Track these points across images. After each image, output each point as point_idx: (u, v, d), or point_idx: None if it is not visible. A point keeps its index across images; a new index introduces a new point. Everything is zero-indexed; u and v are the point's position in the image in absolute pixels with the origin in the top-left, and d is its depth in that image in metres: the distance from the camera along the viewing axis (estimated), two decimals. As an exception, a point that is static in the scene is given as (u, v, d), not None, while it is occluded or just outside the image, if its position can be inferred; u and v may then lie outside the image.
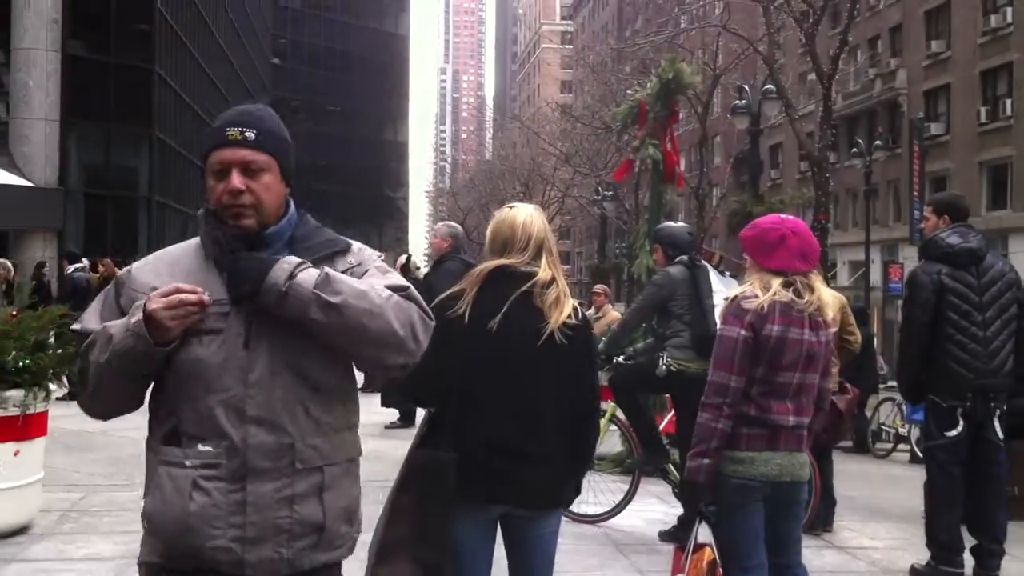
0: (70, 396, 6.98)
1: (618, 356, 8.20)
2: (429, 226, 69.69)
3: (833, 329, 4.73)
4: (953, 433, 6.69)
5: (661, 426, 8.74)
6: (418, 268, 14.99)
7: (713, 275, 7.69)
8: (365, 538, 2.96)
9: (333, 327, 2.60)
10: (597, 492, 8.01)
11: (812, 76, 31.72)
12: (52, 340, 7.24)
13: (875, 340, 22.02)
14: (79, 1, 35.28)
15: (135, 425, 2.87)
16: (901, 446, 15.95)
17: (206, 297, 2.59)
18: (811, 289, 4.48)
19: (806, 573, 4.73)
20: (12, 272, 17.22)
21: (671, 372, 7.44)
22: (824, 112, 26.50)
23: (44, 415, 7.16)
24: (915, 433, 14.60)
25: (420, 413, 4.21)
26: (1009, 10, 39.17)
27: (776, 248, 4.46)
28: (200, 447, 2.62)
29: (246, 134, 2.72)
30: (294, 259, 2.64)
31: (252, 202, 2.70)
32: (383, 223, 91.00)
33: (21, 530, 7.05)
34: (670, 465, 8.11)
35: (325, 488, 2.71)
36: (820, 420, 4.72)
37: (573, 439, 3.93)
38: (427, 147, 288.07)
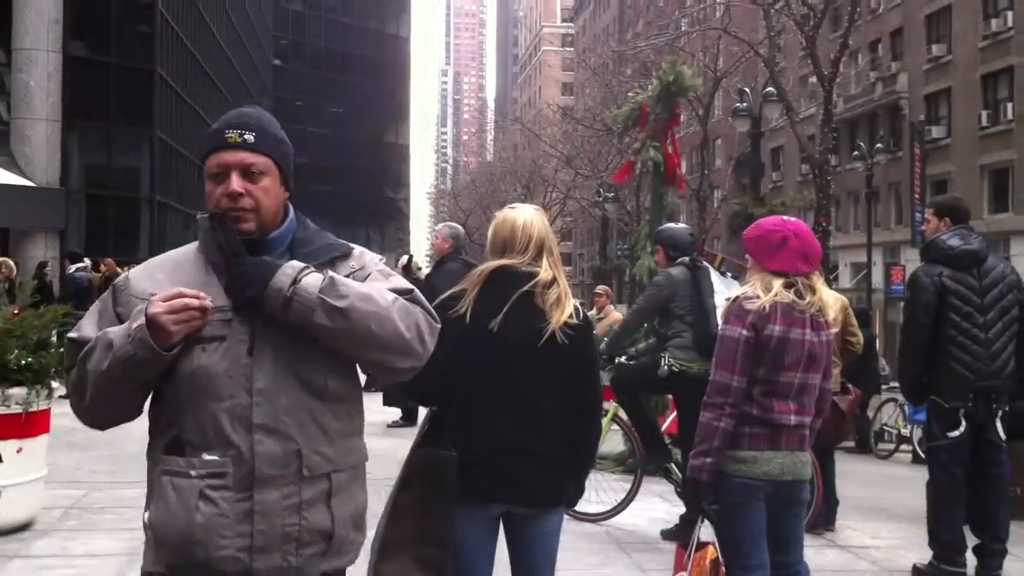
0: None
1: (620, 356, 8.22)
2: (431, 227, 69.67)
3: (835, 330, 4.74)
4: (955, 434, 6.71)
5: (663, 427, 8.76)
6: (420, 269, 15.00)
7: (714, 276, 7.71)
8: (368, 535, 2.96)
9: (339, 332, 2.56)
10: (599, 491, 8.02)
11: (813, 79, 31.77)
12: (54, 339, 7.27)
13: (877, 342, 22.03)
14: (80, 2, 35.31)
15: (138, 423, 2.84)
16: (903, 447, 15.97)
17: (208, 302, 2.54)
18: (812, 290, 4.49)
19: (808, 572, 4.75)
20: (15, 271, 17.25)
21: (673, 372, 7.46)
22: (825, 115, 26.52)
23: (47, 412, 7.18)
24: (917, 434, 14.61)
25: (422, 412, 4.21)
26: (1010, 14, 39.17)
27: (778, 249, 4.47)
28: (205, 456, 2.57)
29: (245, 136, 2.68)
30: (297, 264, 2.60)
31: (251, 206, 2.66)
32: (384, 224, 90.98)
33: (24, 527, 7.05)
34: (672, 464, 8.14)
35: (333, 495, 2.68)
36: (820, 420, 4.73)
37: (575, 439, 3.93)
38: (428, 149, 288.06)
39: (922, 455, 11.43)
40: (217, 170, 2.67)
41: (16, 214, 30.61)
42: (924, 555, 6.96)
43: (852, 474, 11.57)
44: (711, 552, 4.65)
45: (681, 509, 7.68)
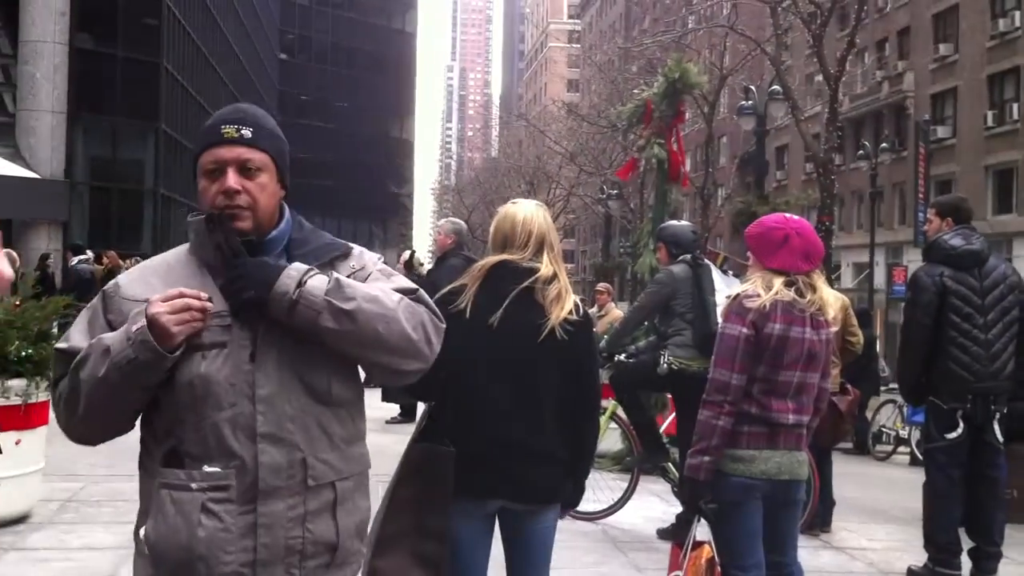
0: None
1: (620, 354, 8.21)
2: (434, 223, 69.65)
3: (834, 328, 4.74)
4: (953, 435, 6.70)
5: (663, 427, 8.76)
6: (421, 264, 14.99)
7: (716, 274, 7.70)
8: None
9: (346, 335, 2.48)
10: (596, 489, 8.02)
11: (819, 78, 31.72)
12: (55, 330, 7.27)
13: (878, 342, 22.02)
14: (87, -6, 35.38)
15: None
16: (901, 448, 15.97)
17: (209, 304, 2.46)
18: (813, 288, 4.49)
19: (801, 571, 4.76)
20: (18, 262, 17.27)
21: (672, 371, 7.46)
22: (830, 114, 26.50)
23: (46, 405, 7.17)
24: (916, 436, 14.61)
25: (420, 408, 4.22)
26: (1017, 14, 39.12)
27: (780, 248, 4.47)
28: (206, 468, 2.46)
29: (243, 132, 2.58)
30: (301, 266, 2.51)
31: (248, 203, 2.56)
32: (388, 220, 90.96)
33: (21, 519, 7.06)
34: (669, 464, 8.14)
35: (338, 504, 2.59)
36: (818, 419, 4.73)
37: (573, 435, 3.94)
38: (433, 144, 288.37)
39: (920, 457, 11.42)
40: (213, 166, 2.57)
41: (20, 205, 30.61)
42: (920, 557, 6.96)
43: (849, 475, 11.57)
44: (707, 551, 4.65)
45: (678, 508, 7.68)
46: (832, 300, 4.67)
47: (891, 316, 41.19)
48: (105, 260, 20.06)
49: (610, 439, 9.11)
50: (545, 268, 3.88)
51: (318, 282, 2.47)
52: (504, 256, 3.93)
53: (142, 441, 2.63)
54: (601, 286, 17.42)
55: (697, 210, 40.35)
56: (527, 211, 4.01)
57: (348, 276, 2.60)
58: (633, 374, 7.98)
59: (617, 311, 15.16)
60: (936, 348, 6.72)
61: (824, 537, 8.15)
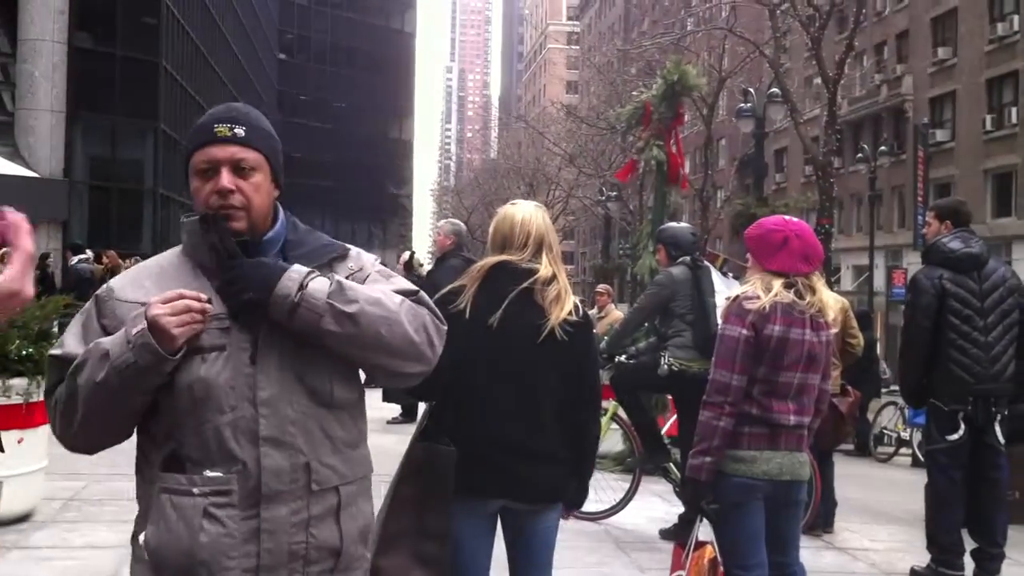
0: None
1: (620, 355, 8.22)
2: (433, 224, 69.79)
3: (834, 330, 4.75)
4: (954, 437, 6.71)
5: (664, 429, 8.77)
6: (421, 265, 15.00)
7: (715, 276, 7.72)
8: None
9: (348, 338, 2.44)
10: (598, 490, 8.03)
11: (818, 80, 31.80)
12: (55, 329, 7.28)
13: (878, 345, 22.04)
14: (86, -7, 35.38)
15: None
16: (903, 450, 15.98)
17: (209, 305, 2.40)
18: (812, 290, 4.50)
19: (804, 572, 4.76)
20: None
21: (672, 372, 7.47)
22: (829, 117, 26.54)
23: (48, 403, 7.18)
24: (917, 437, 14.61)
25: (422, 407, 4.23)
26: (1016, 18, 39.17)
27: (779, 249, 4.48)
28: (208, 473, 2.41)
29: (236, 131, 2.54)
30: (302, 267, 2.47)
31: (242, 203, 2.51)
32: (387, 221, 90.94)
33: (24, 517, 7.07)
34: (671, 464, 8.15)
35: (342, 509, 2.54)
36: (819, 420, 4.74)
37: (574, 436, 3.94)
38: (432, 145, 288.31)
39: (921, 458, 11.43)
40: (205, 166, 2.53)
41: (19, 205, 30.58)
42: (922, 558, 6.97)
43: (851, 477, 11.58)
44: (709, 551, 4.67)
45: (680, 509, 7.69)
46: (831, 302, 4.68)
47: (891, 318, 41.23)
48: (105, 260, 20.08)
49: (611, 440, 9.13)
50: (544, 269, 3.89)
51: (320, 285, 2.44)
52: (503, 257, 3.94)
53: (139, 446, 2.58)
54: (601, 287, 17.44)
55: (696, 212, 40.39)
56: (526, 212, 4.02)
57: (346, 278, 2.57)
58: (633, 375, 7.99)
59: (617, 312, 15.17)
60: (936, 350, 6.74)
61: (826, 538, 8.16)
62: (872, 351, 15.83)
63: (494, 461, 3.77)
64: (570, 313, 3.86)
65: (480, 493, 3.82)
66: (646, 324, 8.75)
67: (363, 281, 2.60)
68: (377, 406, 12.59)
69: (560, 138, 54.78)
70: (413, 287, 2.67)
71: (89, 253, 20.06)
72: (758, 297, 4.42)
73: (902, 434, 16.12)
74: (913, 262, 37.28)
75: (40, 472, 7.22)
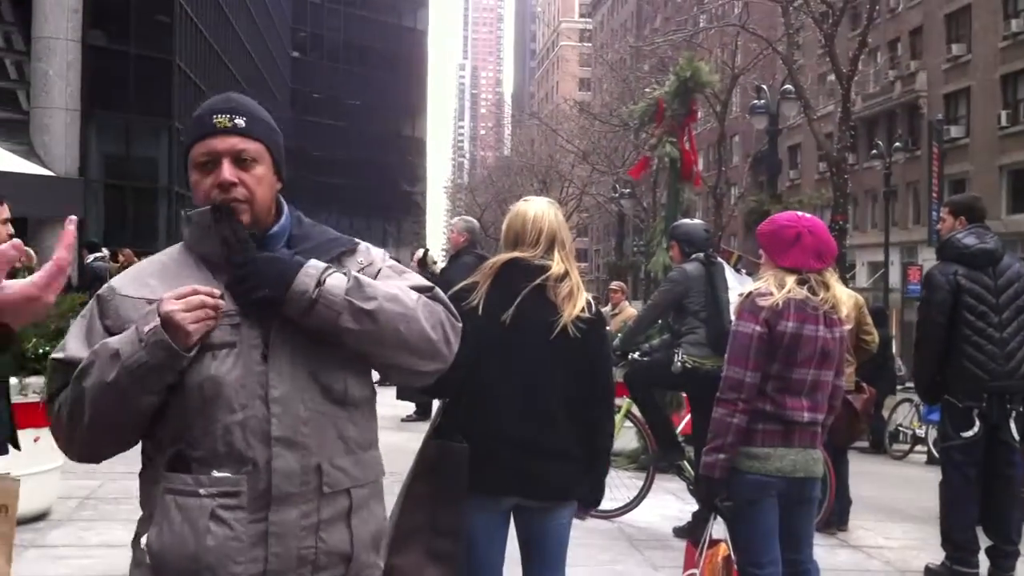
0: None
1: (633, 352, 8.22)
2: (447, 221, 69.73)
3: (848, 326, 4.75)
4: (969, 434, 6.69)
5: (679, 427, 8.76)
6: (435, 263, 14.99)
7: (729, 272, 7.71)
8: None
9: (366, 335, 2.36)
10: (612, 487, 7.98)
11: (831, 77, 31.69)
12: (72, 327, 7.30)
13: (894, 342, 21.96)
14: (100, -9, 35.48)
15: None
16: (918, 447, 15.90)
17: (222, 302, 2.31)
18: (826, 287, 4.50)
19: (817, 569, 4.76)
20: (34, 260, 17.34)
21: (686, 369, 7.47)
22: (843, 113, 26.47)
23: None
24: (932, 434, 14.54)
25: (436, 405, 4.24)
26: (1030, 14, 39.00)
27: (792, 246, 4.48)
28: (216, 473, 2.31)
29: (236, 121, 2.44)
30: (319, 263, 2.37)
31: (245, 196, 2.41)
32: (401, 218, 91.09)
33: (40, 516, 7.11)
34: (685, 462, 8.14)
35: (353, 513, 2.44)
36: (832, 417, 4.74)
37: (587, 433, 3.95)
38: (446, 143, 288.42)
39: (937, 456, 11.39)
40: (205, 159, 2.44)
41: (35, 203, 30.58)
42: (937, 556, 6.95)
43: (866, 474, 11.55)
44: (723, 549, 4.66)
45: (693, 506, 7.69)
46: (845, 298, 4.68)
47: (907, 315, 41.03)
48: (120, 257, 20.13)
49: (625, 437, 9.13)
50: (556, 266, 3.90)
51: (338, 281, 2.35)
52: (515, 254, 3.95)
53: (143, 449, 2.48)
54: (615, 285, 17.43)
55: (710, 209, 40.30)
56: (538, 209, 4.03)
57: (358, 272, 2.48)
58: (647, 372, 7.98)
59: (631, 309, 15.17)
60: (951, 347, 6.72)
61: (841, 536, 8.15)
62: (887, 348, 15.76)
63: (506, 458, 3.78)
64: (583, 310, 3.87)
65: (492, 491, 3.83)
66: (660, 321, 8.75)
67: (374, 277, 2.51)
68: (391, 404, 12.60)
69: (573, 135, 54.69)
70: (428, 283, 2.60)
71: (105, 251, 20.11)
72: (771, 293, 4.42)
73: (917, 431, 16.04)
74: (928, 258, 37.15)
75: (56, 471, 7.25)
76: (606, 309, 15.20)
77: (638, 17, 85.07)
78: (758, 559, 4.51)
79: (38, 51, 33.34)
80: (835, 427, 5.21)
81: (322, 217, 2.74)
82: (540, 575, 4.03)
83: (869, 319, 8.36)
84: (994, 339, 6.64)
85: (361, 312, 2.34)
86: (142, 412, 2.34)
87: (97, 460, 2.51)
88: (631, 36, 72.16)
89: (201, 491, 2.31)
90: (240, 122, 2.45)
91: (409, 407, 13.11)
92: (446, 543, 3.73)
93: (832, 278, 4.57)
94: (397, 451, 4.90)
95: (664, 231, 10.89)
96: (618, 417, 8.13)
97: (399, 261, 2.73)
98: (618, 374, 7.44)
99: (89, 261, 19.01)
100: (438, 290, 2.59)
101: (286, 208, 2.57)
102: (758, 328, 4.39)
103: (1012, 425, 6.71)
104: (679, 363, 7.49)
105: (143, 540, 2.37)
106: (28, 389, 6.78)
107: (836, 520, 8.22)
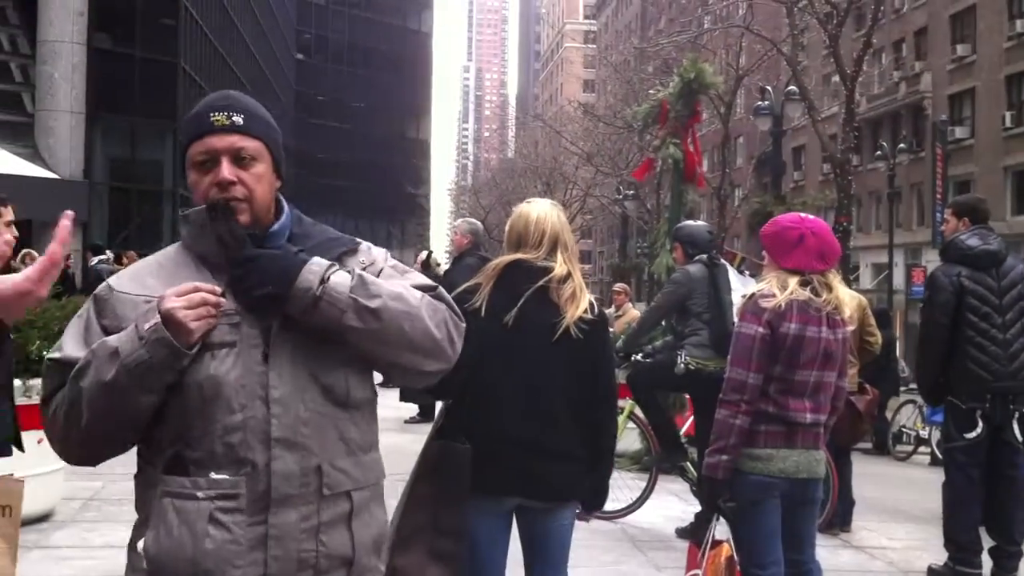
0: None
1: (636, 354, 8.23)
2: (451, 223, 69.79)
3: (851, 327, 4.75)
4: (972, 435, 6.69)
5: (683, 429, 8.77)
6: (439, 265, 15.03)
7: (732, 274, 7.73)
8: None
9: (369, 334, 2.32)
10: (615, 488, 7.97)
11: (836, 78, 31.65)
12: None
13: (898, 344, 21.95)
14: (105, -5, 35.53)
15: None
16: (922, 449, 15.90)
17: (224, 300, 2.28)
18: (829, 288, 4.50)
19: (820, 570, 4.77)
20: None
21: (689, 370, 7.47)
22: (847, 114, 26.42)
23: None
24: (936, 436, 14.53)
25: (439, 407, 4.25)
26: (1035, 15, 38.96)
27: (795, 247, 4.48)
28: (213, 475, 2.26)
29: (234, 119, 2.40)
30: (322, 260, 2.33)
31: (244, 195, 2.37)
32: (405, 220, 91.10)
33: (44, 517, 7.13)
34: (688, 463, 8.14)
35: (354, 516, 2.39)
36: (835, 418, 4.74)
37: (590, 434, 3.95)
38: (450, 145, 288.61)
39: (940, 457, 11.39)
40: (204, 157, 2.39)
41: (39, 206, 30.52)
42: (940, 556, 6.95)
43: (869, 475, 11.55)
44: (726, 550, 4.67)
45: (696, 508, 7.70)
46: (848, 299, 4.69)
47: (911, 317, 40.98)
48: (125, 260, 20.12)
49: (628, 439, 9.13)
50: (559, 267, 3.91)
51: (342, 278, 2.31)
52: (518, 255, 3.96)
53: (139, 452, 2.42)
54: (618, 286, 17.46)
55: (714, 210, 40.26)
56: (541, 210, 4.04)
57: None
58: (650, 374, 7.99)
59: (635, 311, 15.18)
60: (954, 348, 6.73)
61: (844, 536, 8.15)
62: (891, 350, 15.76)
63: (508, 459, 3.79)
64: (585, 311, 3.88)
65: (494, 491, 3.83)
66: (663, 323, 8.75)
67: (376, 276, 2.46)
68: (394, 406, 12.62)
69: (577, 137, 54.67)
70: (431, 282, 2.56)
71: (109, 254, 20.16)
72: (774, 295, 4.43)
73: (921, 433, 16.03)
74: (933, 260, 37.01)
75: (60, 472, 7.27)
76: (610, 311, 15.21)
77: (642, 19, 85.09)
78: (761, 560, 4.51)
79: (43, 54, 33.40)
80: (838, 428, 5.22)
81: (326, 219, 2.71)
82: (543, 576, 4.04)
83: (872, 320, 8.36)
84: (997, 340, 6.65)
85: (365, 310, 2.30)
86: (141, 412, 2.29)
87: (94, 463, 2.46)
88: (635, 38, 72.12)
89: (199, 494, 2.26)
90: (238, 120, 2.41)
91: (412, 409, 13.11)
92: (449, 543, 3.73)
93: (835, 279, 4.58)
94: (399, 453, 4.90)
95: (668, 233, 10.89)
96: (621, 418, 8.13)
97: (403, 263, 2.70)
98: (621, 375, 7.45)
99: (93, 264, 19.05)
100: (442, 289, 2.55)
101: (286, 206, 2.52)
102: (761, 330, 4.39)
103: (1015, 426, 6.71)
104: (682, 365, 7.49)
105: (140, 545, 2.32)
106: (32, 391, 6.78)
107: (839, 521, 8.22)
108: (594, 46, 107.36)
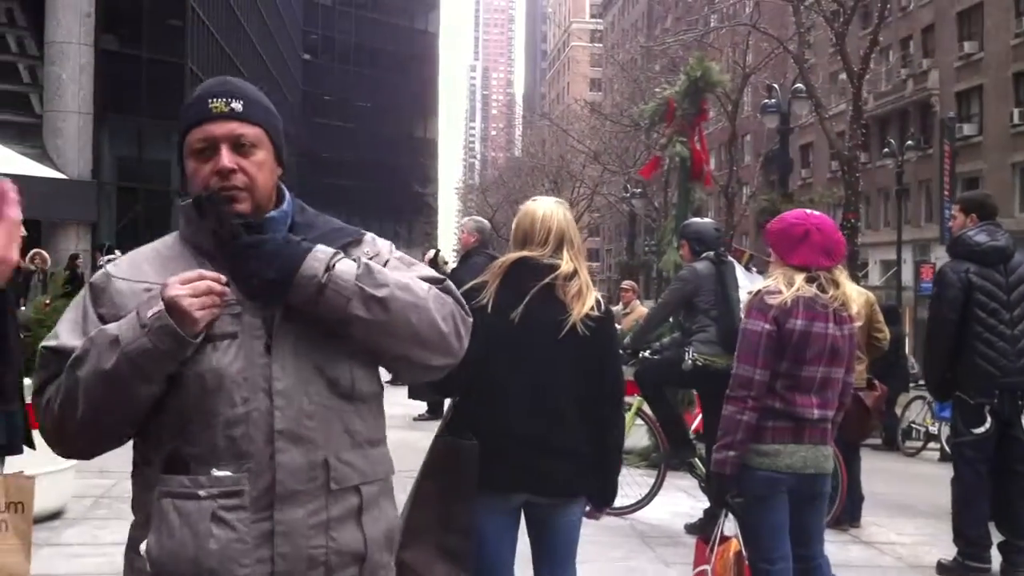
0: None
1: (644, 351, 8.24)
2: (458, 222, 69.83)
3: (858, 323, 4.75)
4: (981, 430, 6.70)
5: (692, 426, 8.78)
6: (446, 263, 15.05)
7: (739, 271, 7.74)
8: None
9: (375, 324, 2.24)
10: (623, 485, 7.98)
11: (843, 76, 31.61)
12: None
13: (907, 340, 21.91)
14: (112, -4, 35.62)
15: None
16: (931, 444, 15.87)
17: (228, 289, 2.19)
18: (835, 284, 4.51)
19: (828, 564, 4.77)
20: (48, 262, 17.47)
21: (697, 367, 7.48)
22: (854, 112, 26.40)
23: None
24: (945, 432, 14.51)
25: (447, 403, 4.26)
26: (1043, 12, 38.86)
27: (800, 243, 4.49)
28: (215, 472, 2.18)
29: (232, 105, 2.31)
30: (327, 247, 2.25)
31: (245, 183, 2.29)
32: (412, 219, 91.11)
33: (55, 515, 7.16)
34: (696, 459, 8.15)
35: (364, 511, 2.31)
36: (842, 413, 4.75)
37: (597, 431, 3.96)
38: (457, 144, 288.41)
39: (949, 452, 11.37)
40: (202, 145, 2.30)
41: (48, 206, 30.75)
42: (949, 551, 6.95)
43: (878, 471, 11.53)
44: (734, 545, 4.67)
45: (705, 503, 7.71)
46: (855, 295, 4.69)
47: (920, 313, 40.84)
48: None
49: (636, 435, 9.14)
50: (565, 264, 3.92)
51: (347, 266, 2.23)
52: (524, 253, 3.97)
53: (135, 447, 2.33)
54: (626, 284, 17.45)
55: (722, 208, 40.26)
56: (546, 208, 4.05)
57: None
58: (657, 370, 8.00)
59: (642, 308, 15.16)
60: (962, 343, 6.73)
61: (853, 532, 8.15)
62: (900, 346, 15.73)
63: (515, 455, 3.80)
64: (592, 308, 3.88)
65: (502, 488, 3.84)
66: (671, 319, 8.76)
67: (382, 267, 2.38)
68: (402, 403, 12.62)
69: (584, 135, 54.69)
70: (438, 275, 2.48)
71: (118, 253, 20.20)
72: (780, 291, 4.43)
73: (930, 428, 16.00)
74: (941, 256, 36.93)
75: (71, 470, 7.29)
76: (618, 308, 15.22)
77: (649, 17, 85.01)
78: (769, 555, 4.52)
79: (51, 55, 33.49)
80: (847, 424, 5.22)
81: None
82: (551, 572, 4.04)
83: (880, 316, 8.36)
84: (1005, 336, 6.65)
85: (372, 299, 2.23)
86: (139, 404, 2.21)
87: (88, 456, 2.37)
88: (642, 36, 72.15)
89: (200, 492, 2.18)
90: (237, 106, 2.32)
91: (421, 406, 13.13)
92: (456, 539, 3.75)
93: (842, 275, 4.58)
94: (408, 448, 4.92)
95: (675, 230, 10.90)
96: (629, 415, 8.15)
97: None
98: (628, 372, 7.46)
99: (102, 263, 19.11)
100: (449, 283, 2.46)
101: (288, 195, 2.45)
102: (767, 326, 4.40)
103: (1023, 421, 6.71)
104: (690, 361, 7.50)
105: (142, 547, 2.22)
106: (42, 389, 6.82)
107: (848, 516, 8.22)
108: (601, 45, 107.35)
